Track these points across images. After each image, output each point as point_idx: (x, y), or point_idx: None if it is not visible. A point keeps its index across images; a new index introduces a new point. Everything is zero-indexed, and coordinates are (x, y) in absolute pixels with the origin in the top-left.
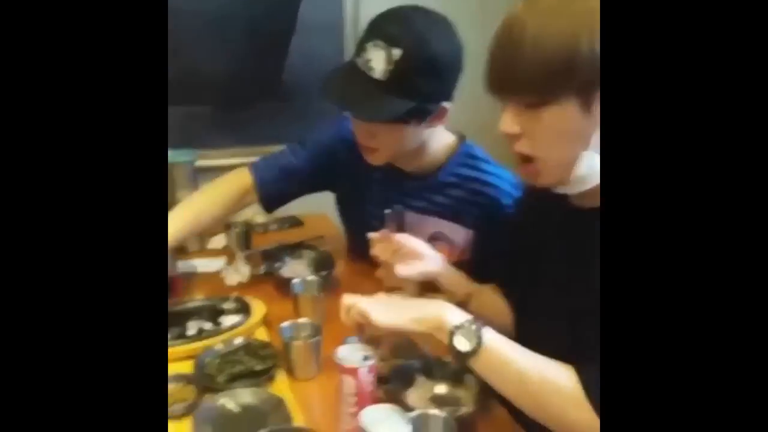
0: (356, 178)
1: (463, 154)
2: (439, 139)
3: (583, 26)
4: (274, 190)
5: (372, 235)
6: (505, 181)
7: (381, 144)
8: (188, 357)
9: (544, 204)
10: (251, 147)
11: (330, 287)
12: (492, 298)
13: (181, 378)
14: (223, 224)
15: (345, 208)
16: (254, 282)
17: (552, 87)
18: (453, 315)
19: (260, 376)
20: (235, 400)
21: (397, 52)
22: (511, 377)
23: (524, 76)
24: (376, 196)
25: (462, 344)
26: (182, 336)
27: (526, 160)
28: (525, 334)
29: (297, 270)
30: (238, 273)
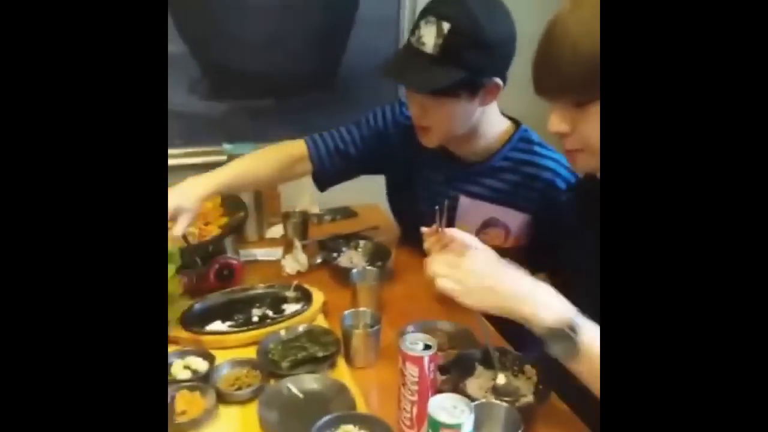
0: (409, 163)
1: (518, 139)
2: (494, 124)
3: None
4: (328, 165)
5: (424, 229)
6: (562, 165)
7: (434, 121)
8: (253, 343)
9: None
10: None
11: (386, 277)
12: None
13: (247, 363)
14: (281, 213)
15: (396, 192)
16: (311, 271)
17: (596, 85)
18: (547, 313)
19: (322, 363)
20: (298, 385)
21: (446, 26)
22: None
23: (568, 76)
24: (429, 181)
25: (556, 350)
26: (248, 322)
27: (575, 151)
28: None
29: (353, 260)
30: (297, 262)
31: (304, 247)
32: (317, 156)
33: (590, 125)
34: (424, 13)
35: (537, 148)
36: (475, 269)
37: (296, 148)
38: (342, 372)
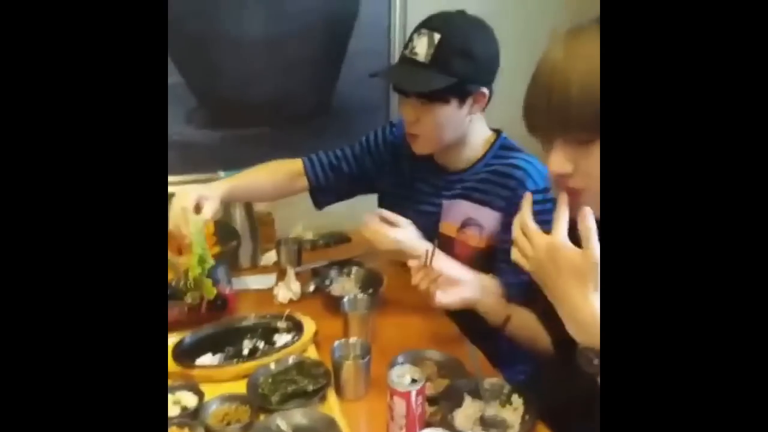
0: (399, 178)
1: (498, 147)
2: (479, 134)
3: None
4: (323, 181)
5: (411, 263)
6: (533, 167)
7: (425, 128)
8: (244, 376)
9: None
10: None
11: (378, 304)
12: (531, 319)
13: (236, 398)
14: (275, 240)
15: (387, 206)
16: (303, 299)
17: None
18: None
19: (312, 396)
20: (288, 420)
21: (437, 36)
22: None
23: (576, 116)
24: (418, 193)
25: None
26: (238, 355)
27: (575, 191)
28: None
29: (346, 287)
30: (290, 290)
31: (297, 274)
32: (312, 172)
33: (595, 164)
34: (417, 29)
35: (512, 152)
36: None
37: (294, 164)
38: (332, 405)
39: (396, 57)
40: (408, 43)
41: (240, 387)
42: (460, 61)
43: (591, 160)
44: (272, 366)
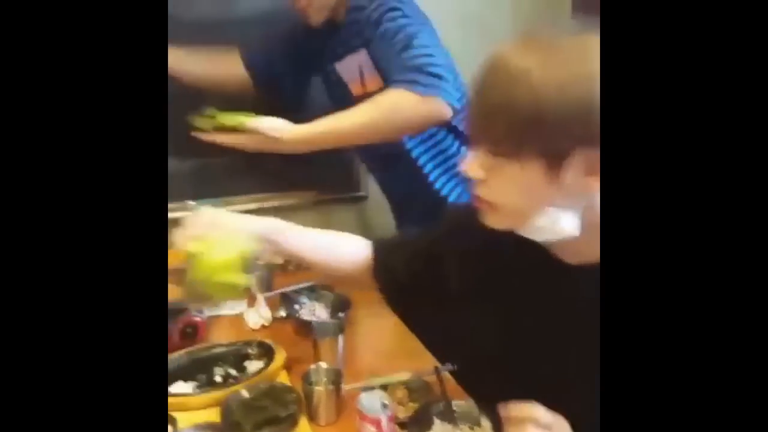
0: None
1: None
2: None
3: (557, 95)
4: None
5: None
6: None
7: None
8: (216, 404)
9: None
10: (273, 193)
11: (347, 328)
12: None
13: (209, 427)
14: None
15: None
16: (274, 324)
17: (514, 144)
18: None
19: (284, 422)
20: None
21: None
22: None
23: (492, 126)
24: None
25: None
26: (211, 382)
27: (482, 201)
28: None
29: (315, 311)
30: (260, 316)
31: (267, 299)
32: None
33: (502, 181)
34: None
35: None
36: None
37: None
38: (304, 431)
39: None
40: None
41: (213, 414)
42: None
43: (499, 176)
44: (244, 393)
